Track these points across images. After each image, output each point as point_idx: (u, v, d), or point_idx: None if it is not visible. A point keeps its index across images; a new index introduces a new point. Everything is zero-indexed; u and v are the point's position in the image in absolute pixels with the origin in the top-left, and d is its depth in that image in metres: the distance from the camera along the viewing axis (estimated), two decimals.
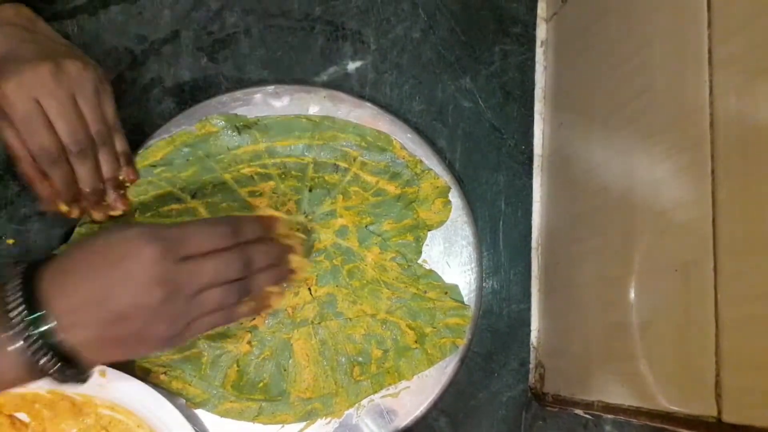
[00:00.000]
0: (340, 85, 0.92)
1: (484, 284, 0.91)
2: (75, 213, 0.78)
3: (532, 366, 0.90)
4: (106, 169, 0.78)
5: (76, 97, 0.73)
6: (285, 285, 0.78)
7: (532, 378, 0.90)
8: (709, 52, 0.58)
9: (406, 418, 0.83)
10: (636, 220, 0.69)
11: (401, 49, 0.95)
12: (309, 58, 0.92)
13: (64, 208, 0.77)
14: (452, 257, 0.88)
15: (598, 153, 0.79)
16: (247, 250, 0.70)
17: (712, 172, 0.57)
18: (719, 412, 0.54)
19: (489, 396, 0.89)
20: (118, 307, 0.62)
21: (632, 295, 0.69)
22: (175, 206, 0.82)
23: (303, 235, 0.81)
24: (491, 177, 0.94)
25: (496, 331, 0.91)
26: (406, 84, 0.94)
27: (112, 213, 0.80)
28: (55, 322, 0.59)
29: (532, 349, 0.90)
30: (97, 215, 0.80)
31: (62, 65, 0.71)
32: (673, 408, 0.61)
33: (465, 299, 0.87)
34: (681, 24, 0.63)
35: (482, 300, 0.90)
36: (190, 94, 0.88)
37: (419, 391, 0.84)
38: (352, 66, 0.93)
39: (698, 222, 0.58)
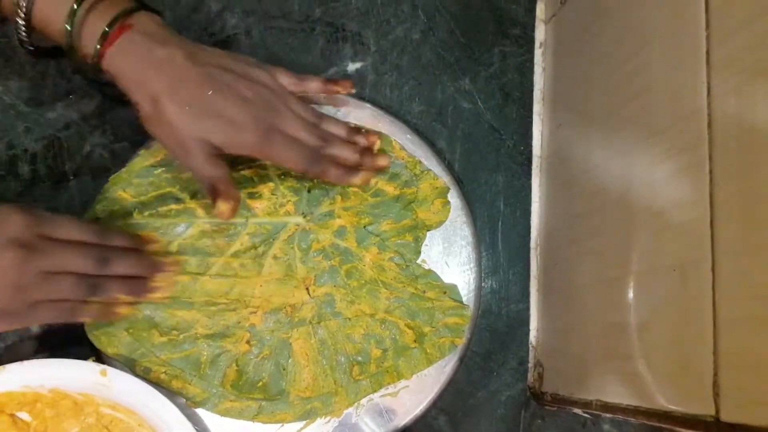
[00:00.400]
0: None
1: (483, 284, 0.91)
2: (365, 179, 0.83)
3: (530, 365, 0.90)
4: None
5: (288, 105, 0.77)
6: (138, 299, 0.78)
7: (530, 377, 0.90)
8: (708, 53, 0.58)
9: (405, 417, 0.83)
10: (634, 221, 0.69)
11: (401, 50, 0.95)
12: (309, 60, 0.92)
13: (359, 180, 0.82)
14: (451, 257, 0.88)
15: (596, 154, 0.79)
16: (107, 251, 0.73)
17: (710, 172, 0.57)
18: (717, 412, 0.54)
19: (488, 395, 0.89)
20: None
21: (631, 295, 0.69)
22: (174, 206, 0.82)
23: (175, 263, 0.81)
24: (490, 178, 0.94)
25: (495, 331, 0.91)
26: (406, 85, 0.94)
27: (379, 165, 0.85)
28: None
29: (530, 348, 0.91)
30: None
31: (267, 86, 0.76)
32: (672, 407, 0.61)
33: (464, 299, 0.87)
34: (679, 25, 0.63)
35: (481, 300, 0.90)
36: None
37: (418, 390, 0.83)
38: (352, 67, 0.93)
39: (696, 222, 0.58)
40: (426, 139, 0.91)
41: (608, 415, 0.72)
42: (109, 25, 0.68)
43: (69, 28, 0.67)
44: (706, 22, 0.59)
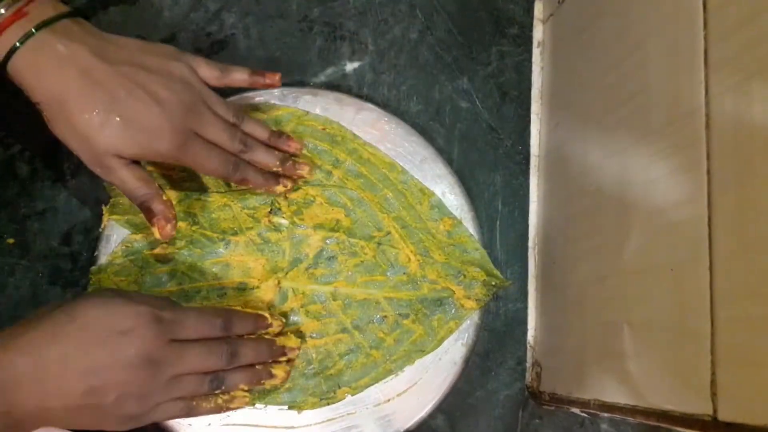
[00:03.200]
0: (338, 85, 0.92)
1: None
2: (287, 186, 0.82)
3: (528, 365, 0.90)
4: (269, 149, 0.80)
5: (208, 104, 0.73)
6: (257, 388, 0.77)
7: (528, 377, 0.90)
8: (705, 53, 0.58)
9: (406, 423, 0.83)
10: (632, 220, 0.69)
11: (399, 49, 0.95)
12: (307, 59, 0.92)
13: (280, 188, 0.81)
14: (452, 256, 0.88)
15: (594, 153, 0.79)
16: (234, 345, 0.71)
17: (708, 172, 0.57)
18: (715, 411, 0.54)
19: (486, 395, 0.89)
20: (99, 380, 0.62)
21: (628, 293, 0.69)
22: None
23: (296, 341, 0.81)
24: (488, 177, 0.94)
25: (493, 330, 0.91)
26: (404, 85, 0.94)
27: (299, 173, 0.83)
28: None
29: (528, 347, 0.90)
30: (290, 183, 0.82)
31: (183, 83, 0.71)
32: (669, 406, 0.60)
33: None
34: (677, 25, 0.63)
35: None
36: None
37: (420, 393, 0.83)
38: (350, 67, 0.93)
39: (694, 221, 0.58)
40: (425, 137, 0.91)
41: (606, 415, 0.72)
42: (4, 6, 0.63)
43: None
44: (704, 21, 0.58)
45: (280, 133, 0.82)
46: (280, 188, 0.81)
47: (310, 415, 0.82)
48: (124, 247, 0.82)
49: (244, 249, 0.83)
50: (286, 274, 0.83)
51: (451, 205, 0.89)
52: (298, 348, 0.80)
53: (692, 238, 0.58)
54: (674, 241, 0.61)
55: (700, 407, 0.55)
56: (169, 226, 0.72)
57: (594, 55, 0.82)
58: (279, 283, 0.83)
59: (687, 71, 0.60)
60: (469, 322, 0.86)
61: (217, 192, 0.83)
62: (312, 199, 0.85)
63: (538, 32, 0.98)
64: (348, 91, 0.92)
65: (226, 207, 0.83)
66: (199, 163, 0.72)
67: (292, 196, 0.84)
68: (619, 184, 0.72)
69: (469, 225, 0.89)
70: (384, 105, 0.92)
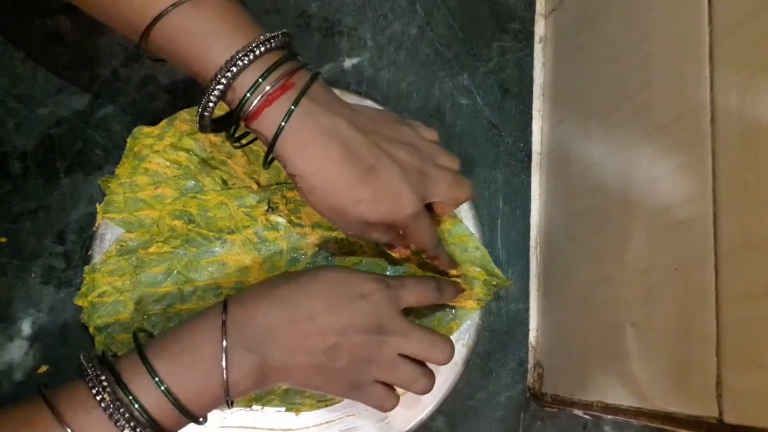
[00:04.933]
0: (337, 82, 0.92)
1: None
2: None
3: (530, 366, 0.89)
4: None
5: (435, 161, 0.74)
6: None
7: (530, 378, 0.89)
8: (710, 48, 0.58)
9: (406, 425, 0.83)
10: (636, 218, 0.69)
11: (398, 45, 0.94)
12: (305, 55, 0.91)
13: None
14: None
15: (597, 150, 0.79)
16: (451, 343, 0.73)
17: (713, 169, 0.56)
18: (720, 413, 0.54)
19: (487, 396, 0.88)
20: (340, 339, 0.65)
21: (632, 294, 0.68)
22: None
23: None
24: (489, 175, 0.93)
25: (494, 331, 0.90)
26: (403, 81, 0.94)
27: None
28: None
29: (530, 348, 0.90)
30: None
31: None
32: (674, 408, 0.60)
33: None
34: (681, 20, 0.62)
35: None
36: (185, 91, 0.87)
37: (420, 397, 0.82)
38: (348, 63, 0.93)
39: (699, 220, 0.57)
40: None
41: (609, 417, 0.73)
42: (269, 82, 0.63)
43: (248, 95, 0.62)
44: (709, 16, 0.58)
45: None
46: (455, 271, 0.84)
47: (308, 418, 0.81)
48: (118, 246, 0.81)
49: (240, 248, 0.82)
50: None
51: None
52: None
53: (697, 236, 0.57)
54: (679, 240, 0.61)
55: (706, 409, 0.55)
56: (405, 250, 0.81)
57: (597, 50, 0.81)
58: None
59: (692, 67, 0.60)
60: (469, 322, 0.85)
61: (213, 190, 0.82)
62: None
63: (539, 27, 0.98)
64: (347, 88, 0.91)
65: (222, 205, 0.82)
66: (419, 231, 0.74)
67: (290, 194, 0.83)
68: (623, 182, 0.72)
69: (470, 224, 0.88)
70: (383, 101, 0.92)
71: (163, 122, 0.83)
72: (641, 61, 0.70)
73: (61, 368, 0.80)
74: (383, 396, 0.70)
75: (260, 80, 0.61)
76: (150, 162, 0.82)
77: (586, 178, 0.81)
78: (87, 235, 0.82)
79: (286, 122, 0.62)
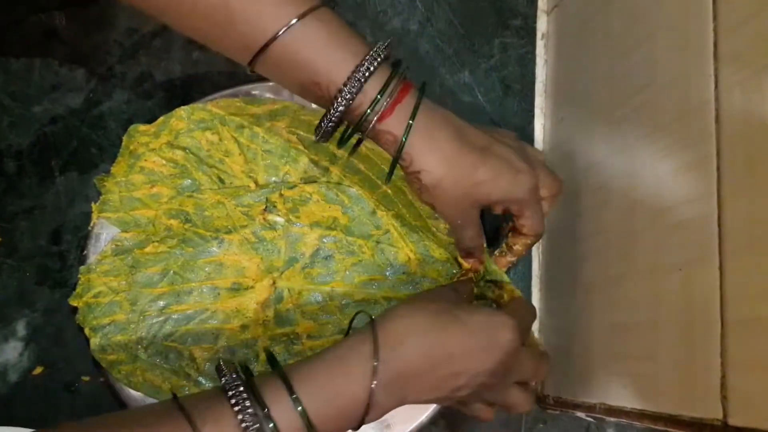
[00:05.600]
0: None
1: None
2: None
3: None
4: None
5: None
6: None
7: None
8: (715, 45, 0.57)
9: (406, 428, 0.82)
10: (639, 218, 0.68)
11: (398, 41, 0.94)
12: None
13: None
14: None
15: (599, 149, 0.79)
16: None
17: (718, 168, 0.56)
18: (725, 415, 0.53)
19: None
20: (468, 382, 0.65)
21: (635, 294, 0.68)
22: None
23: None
24: None
25: None
26: None
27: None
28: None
29: None
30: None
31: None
32: (678, 411, 0.59)
33: None
34: (685, 16, 0.62)
35: None
36: (182, 89, 0.87)
37: None
38: None
39: (703, 219, 0.57)
40: None
41: (612, 419, 0.72)
42: (389, 92, 0.66)
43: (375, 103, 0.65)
44: (714, 12, 0.58)
45: None
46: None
47: None
48: (114, 246, 0.81)
49: (238, 248, 0.81)
50: (282, 273, 0.82)
51: None
52: None
53: (702, 236, 0.57)
54: (683, 240, 0.60)
55: (710, 411, 0.54)
56: (475, 265, 0.80)
57: (600, 47, 0.81)
58: (274, 283, 0.81)
59: (696, 64, 0.59)
60: None
61: (210, 189, 0.82)
62: (308, 196, 0.83)
63: (542, 24, 0.97)
64: None
65: (219, 205, 0.82)
66: (535, 215, 0.75)
67: (288, 193, 0.83)
68: (626, 181, 0.71)
69: None
70: None
71: (160, 120, 0.83)
72: (644, 58, 0.69)
73: (57, 369, 0.80)
74: (482, 409, 0.72)
75: (379, 96, 0.64)
76: (146, 160, 0.82)
77: (589, 176, 0.81)
78: (82, 235, 0.83)
79: (413, 120, 0.66)
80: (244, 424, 0.56)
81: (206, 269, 0.81)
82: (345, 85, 0.63)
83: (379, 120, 0.65)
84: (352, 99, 0.63)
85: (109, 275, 0.80)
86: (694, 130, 0.59)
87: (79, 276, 0.80)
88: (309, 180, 0.84)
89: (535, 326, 0.90)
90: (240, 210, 0.82)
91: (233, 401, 0.57)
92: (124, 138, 0.82)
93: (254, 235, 0.81)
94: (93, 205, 0.81)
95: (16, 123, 0.82)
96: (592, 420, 0.87)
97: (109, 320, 0.78)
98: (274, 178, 0.83)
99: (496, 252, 0.81)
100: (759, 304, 0.51)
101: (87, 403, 0.81)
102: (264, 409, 0.57)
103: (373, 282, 0.83)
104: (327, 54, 0.64)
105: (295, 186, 0.83)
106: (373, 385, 0.61)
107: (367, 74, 0.63)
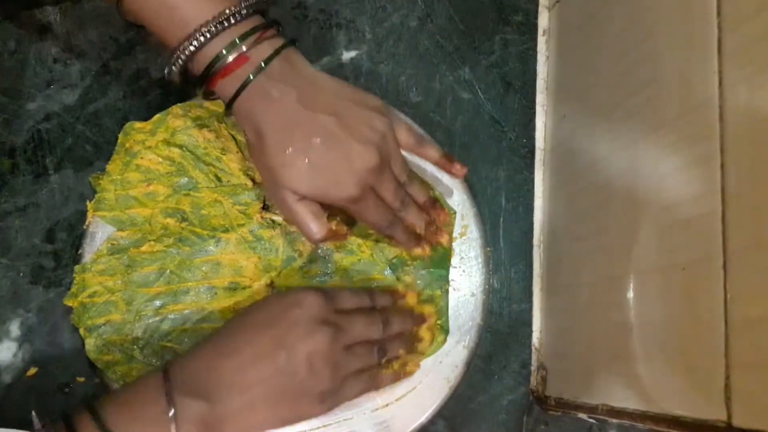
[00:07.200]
0: (334, 75, 0.90)
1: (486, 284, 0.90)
2: (425, 250, 0.85)
3: (533, 368, 0.89)
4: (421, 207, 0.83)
5: (391, 164, 0.75)
6: (413, 352, 0.82)
7: (533, 380, 0.89)
8: (719, 41, 0.57)
9: (406, 429, 0.82)
10: (642, 216, 0.68)
11: (397, 38, 0.93)
12: (301, 48, 0.89)
13: (419, 251, 0.84)
14: (456, 256, 0.87)
15: (602, 146, 0.78)
16: (385, 313, 0.77)
17: (722, 166, 0.56)
18: (729, 417, 0.53)
19: (489, 399, 0.88)
20: (288, 352, 0.67)
21: (638, 294, 0.68)
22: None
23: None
24: (491, 172, 0.93)
25: (497, 332, 0.89)
26: (403, 75, 0.93)
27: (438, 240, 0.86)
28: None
29: (533, 350, 0.89)
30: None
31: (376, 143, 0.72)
32: (681, 412, 0.60)
33: (469, 298, 0.86)
34: (689, 12, 0.62)
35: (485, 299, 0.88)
36: (178, 86, 0.86)
37: (420, 398, 0.82)
38: (346, 56, 0.92)
39: (707, 218, 0.57)
40: (425, 130, 0.90)
41: (615, 421, 0.73)
42: (226, 55, 0.67)
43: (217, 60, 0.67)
44: (718, 8, 0.58)
45: (434, 201, 0.85)
46: (419, 251, 0.83)
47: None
48: (109, 245, 0.80)
49: (235, 247, 0.81)
50: (280, 273, 0.82)
51: (453, 201, 0.88)
52: (436, 314, 0.84)
53: (705, 235, 0.57)
54: (686, 239, 0.61)
55: (714, 413, 0.55)
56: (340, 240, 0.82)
57: (602, 43, 0.81)
58: (272, 282, 0.81)
59: (700, 60, 0.60)
60: (471, 323, 0.85)
61: (207, 187, 0.81)
62: None
63: (543, 19, 0.97)
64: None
65: (216, 203, 0.81)
66: (362, 214, 0.74)
67: None
68: (629, 179, 0.71)
69: (472, 222, 0.88)
70: (382, 96, 0.89)
71: (156, 117, 0.82)
72: (647, 55, 0.69)
73: (51, 370, 0.80)
74: (365, 382, 0.74)
75: (224, 52, 0.66)
76: (142, 158, 0.82)
77: (591, 174, 0.80)
78: (77, 234, 0.82)
79: (238, 92, 0.67)
80: None
81: (203, 268, 0.80)
82: (196, 30, 0.65)
83: (213, 80, 0.68)
84: (200, 47, 0.66)
85: (104, 274, 0.79)
86: (697, 127, 0.59)
87: (74, 275, 0.79)
88: None
89: (536, 326, 0.90)
90: (237, 208, 0.81)
91: None
92: (120, 135, 0.82)
93: (252, 234, 0.81)
94: (88, 203, 0.81)
95: (10, 120, 0.82)
96: (594, 421, 0.87)
97: (104, 320, 0.78)
98: None
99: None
100: (764, 303, 0.51)
101: None
102: None
103: (372, 281, 0.83)
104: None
105: None
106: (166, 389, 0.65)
107: (225, 24, 0.65)
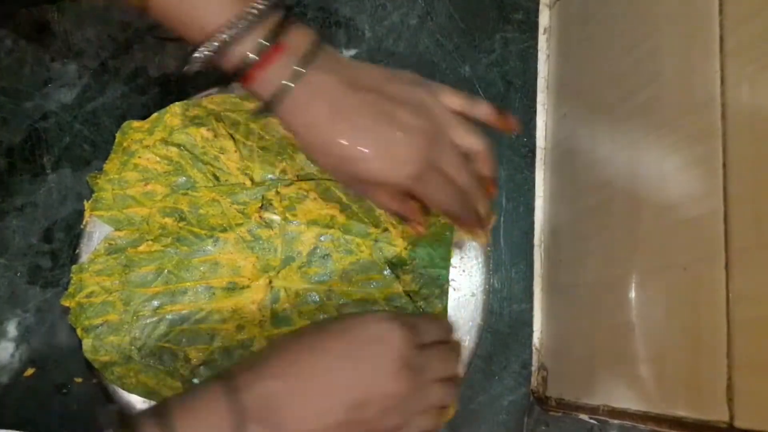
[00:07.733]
0: None
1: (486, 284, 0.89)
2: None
3: (534, 368, 0.89)
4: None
5: (450, 134, 0.72)
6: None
7: (534, 381, 0.89)
8: (721, 39, 0.57)
9: None
10: (643, 216, 0.68)
11: (397, 36, 0.93)
12: None
13: (483, 239, 0.84)
14: (456, 255, 0.87)
15: (603, 145, 0.78)
16: (458, 347, 0.74)
17: (724, 165, 0.56)
18: (731, 418, 0.53)
19: (489, 400, 0.88)
20: (364, 392, 0.63)
21: (639, 294, 0.68)
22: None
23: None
24: None
25: (497, 332, 0.89)
26: None
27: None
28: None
29: (534, 350, 0.89)
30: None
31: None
32: (683, 413, 0.60)
33: (469, 298, 0.86)
34: (691, 10, 0.62)
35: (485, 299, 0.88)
36: (176, 85, 0.86)
37: None
38: (345, 54, 0.92)
39: (709, 217, 0.57)
40: None
41: (616, 421, 0.73)
42: (261, 47, 0.64)
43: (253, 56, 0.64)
44: (720, 6, 0.58)
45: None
46: (483, 239, 0.83)
47: None
48: (107, 245, 0.80)
49: (233, 246, 0.81)
50: (278, 272, 0.81)
51: None
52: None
53: (707, 235, 0.57)
54: (688, 239, 0.61)
55: (716, 413, 0.55)
56: (420, 227, 0.75)
57: (604, 41, 0.81)
58: (270, 282, 0.81)
59: (702, 59, 0.60)
60: (471, 323, 0.85)
61: (205, 187, 0.81)
62: (305, 194, 0.83)
63: (544, 18, 0.97)
64: None
65: (214, 202, 0.81)
66: (433, 197, 0.71)
67: (285, 191, 0.83)
68: (630, 178, 0.71)
69: None
70: None
71: (154, 116, 0.82)
72: (649, 54, 0.69)
73: (48, 371, 0.80)
74: (431, 419, 0.69)
75: (261, 41, 0.63)
76: (139, 157, 0.82)
77: (592, 174, 0.80)
78: (74, 234, 0.83)
79: (282, 84, 0.64)
80: None
81: (201, 268, 0.80)
82: (223, 26, 0.62)
83: (250, 75, 0.64)
84: (227, 42, 0.62)
85: (102, 274, 0.79)
86: (700, 126, 0.59)
87: (72, 275, 0.79)
88: (306, 177, 0.83)
89: (537, 327, 0.90)
90: (235, 208, 0.81)
91: None
92: (118, 134, 0.82)
93: (250, 234, 0.81)
94: (85, 203, 0.81)
95: (7, 119, 0.82)
96: (595, 422, 0.86)
97: (101, 320, 0.78)
98: (270, 176, 0.83)
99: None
100: (766, 303, 0.51)
101: (79, 405, 0.81)
102: None
103: (372, 281, 0.83)
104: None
105: (291, 183, 0.83)
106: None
107: (250, 18, 0.62)
